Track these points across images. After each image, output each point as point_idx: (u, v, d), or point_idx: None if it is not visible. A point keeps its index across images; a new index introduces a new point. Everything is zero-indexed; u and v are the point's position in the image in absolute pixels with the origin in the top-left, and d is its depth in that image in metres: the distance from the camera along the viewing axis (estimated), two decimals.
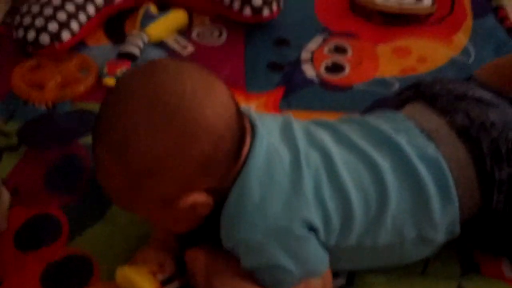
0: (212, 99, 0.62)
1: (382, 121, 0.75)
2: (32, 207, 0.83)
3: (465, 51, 1.08)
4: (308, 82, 1.03)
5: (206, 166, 0.62)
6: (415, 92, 0.81)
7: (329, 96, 1.00)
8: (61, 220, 0.82)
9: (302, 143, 0.69)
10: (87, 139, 0.92)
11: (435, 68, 1.04)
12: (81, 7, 1.11)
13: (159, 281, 0.70)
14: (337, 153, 0.69)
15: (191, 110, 0.60)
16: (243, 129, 0.65)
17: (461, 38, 1.11)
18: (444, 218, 0.69)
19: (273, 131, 0.70)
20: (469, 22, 1.14)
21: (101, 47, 1.12)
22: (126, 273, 0.70)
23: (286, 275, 0.65)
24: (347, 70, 1.05)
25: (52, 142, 0.92)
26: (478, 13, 1.16)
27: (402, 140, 0.71)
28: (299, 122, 0.73)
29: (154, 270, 0.71)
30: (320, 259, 0.67)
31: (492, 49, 1.07)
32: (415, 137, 0.72)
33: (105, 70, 1.04)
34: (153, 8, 1.16)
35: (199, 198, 0.63)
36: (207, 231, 0.69)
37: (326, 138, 0.71)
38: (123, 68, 1.04)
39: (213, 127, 0.61)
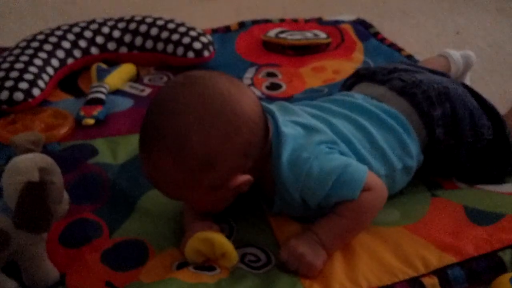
0: (244, 96, 0.79)
1: (345, 97, 0.98)
2: (66, 218, 0.92)
3: (365, 63, 1.38)
4: None
5: (248, 151, 0.78)
6: (357, 77, 1.06)
7: None
8: (97, 220, 0.92)
9: (303, 114, 0.89)
10: (94, 160, 1.04)
11: (348, 76, 1.31)
12: (42, 69, 1.24)
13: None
14: (332, 118, 0.89)
15: (232, 107, 0.76)
16: (265, 114, 0.83)
17: (358, 55, 1.41)
18: (414, 149, 0.92)
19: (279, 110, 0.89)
20: (359, 45, 1.46)
21: (64, 101, 1.25)
22: (205, 236, 0.79)
23: (351, 168, 0.80)
24: (284, 87, 1.29)
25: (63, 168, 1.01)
26: (363, 39, 1.49)
27: (365, 104, 0.94)
28: (290, 104, 0.93)
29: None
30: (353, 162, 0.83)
31: (383, 59, 1.38)
32: (370, 101, 0.96)
33: (82, 113, 1.17)
34: (103, 65, 1.32)
35: (244, 178, 0.78)
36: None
37: (316, 111, 0.91)
38: (97, 110, 1.18)
39: (250, 117, 0.77)
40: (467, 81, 1.24)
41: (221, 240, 0.79)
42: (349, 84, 1.07)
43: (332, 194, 0.80)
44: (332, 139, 0.85)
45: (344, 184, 0.79)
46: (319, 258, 0.78)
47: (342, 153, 0.84)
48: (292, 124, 0.86)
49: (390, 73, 1.02)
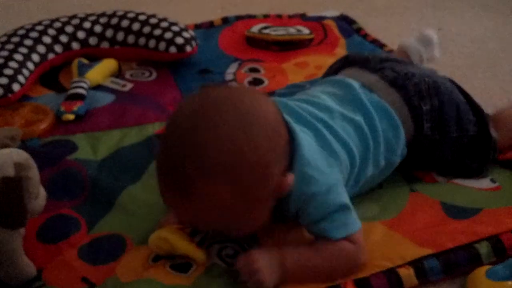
0: (268, 101, 0.79)
1: (344, 88, 0.94)
2: (44, 214, 0.91)
3: None
4: None
5: (285, 150, 0.77)
6: (345, 61, 1.05)
7: None
8: (75, 216, 0.91)
9: (306, 117, 0.86)
10: (74, 155, 1.04)
11: (336, 60, 1.27)
12: (22, 64, 1.23)
13: (196, 241, 0.81)
14: (331, 121, 0.87)
15: (265, 114, 0.75)
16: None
17: (341, 51, 1.41)
18: (398, 144, 0.92)
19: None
20: (342, 41, 1.46)
21: (44, 96, 1.25)
22: (164, 235, 0.79)
23: (349, 214, 0.79)
24: (266, 82, 1.29)
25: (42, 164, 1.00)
26: (345, 34, 1.49)
27: (362, 97, 0.91)
28: (288, 101, 0.90)
29: (187, 231, 0.82)
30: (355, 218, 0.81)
31: None
32: (364, 91, 0.93)
33: (62, 109, 1.16)
34: (84, 60, 1.31)
35: (290, 177, 0.76)
36: None
37: (316, 111, 0.88)
38: (78, 105, 1.17)
39: (280, 119, 0.78)
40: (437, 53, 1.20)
41: (179, 243, 0.79)
42: (336, 68, 1.06)
43: (320, 222, 0.79)
44: (335, 153, 0.83)
45: (334, 221, 0.78)
46: (272, 278, 0.75)
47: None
48: (303, 131, 0.83)
49: (382, 61, 1.01)
